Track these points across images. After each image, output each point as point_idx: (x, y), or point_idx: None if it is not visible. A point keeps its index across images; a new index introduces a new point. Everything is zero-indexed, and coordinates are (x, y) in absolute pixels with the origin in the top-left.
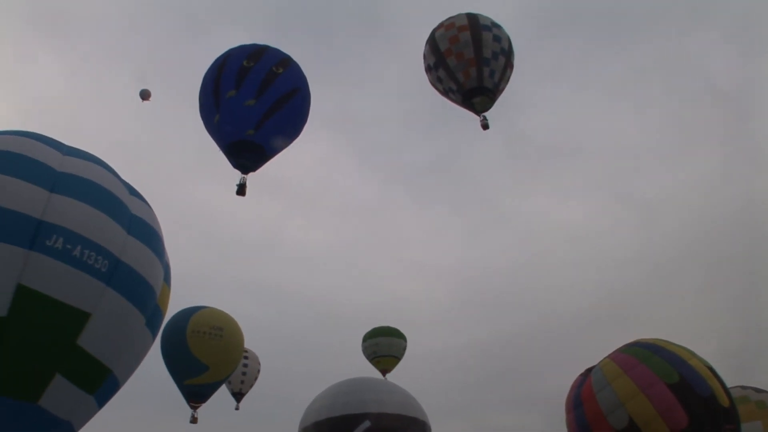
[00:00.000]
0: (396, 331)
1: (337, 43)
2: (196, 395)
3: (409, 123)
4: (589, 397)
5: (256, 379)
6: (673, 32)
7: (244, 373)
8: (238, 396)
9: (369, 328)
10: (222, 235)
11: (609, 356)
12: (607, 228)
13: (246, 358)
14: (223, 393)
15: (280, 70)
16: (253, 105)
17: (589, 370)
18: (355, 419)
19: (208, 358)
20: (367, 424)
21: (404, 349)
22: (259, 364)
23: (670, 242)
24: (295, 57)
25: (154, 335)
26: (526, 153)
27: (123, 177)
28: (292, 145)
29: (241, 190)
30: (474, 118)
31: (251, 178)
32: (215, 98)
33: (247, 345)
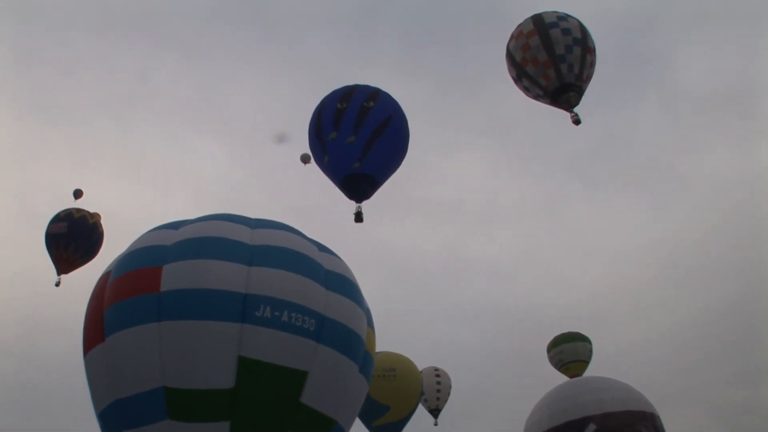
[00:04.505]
0: (578, 335)
1: (468, 52)
2: None
3: (559, 111)
4: None
5: (449, 394)
6: None
7: (438, 390)
8: (435, 412)
9: (571, 329)
10: (411, 268)
11: None
12: None
13: (438, 376)
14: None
15: (371, 104)
16: (354, 141)
17: None
18: (579, 424)
19: (386, 399)
20: (592, 427)
21: (590, 351)
22: (450, 379)
23: None
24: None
25: (368, 380)
26: (689, 108)
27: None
28: (402, 166)
29: (358, 217)
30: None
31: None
32: (320, 143)
33: (449, 368)
